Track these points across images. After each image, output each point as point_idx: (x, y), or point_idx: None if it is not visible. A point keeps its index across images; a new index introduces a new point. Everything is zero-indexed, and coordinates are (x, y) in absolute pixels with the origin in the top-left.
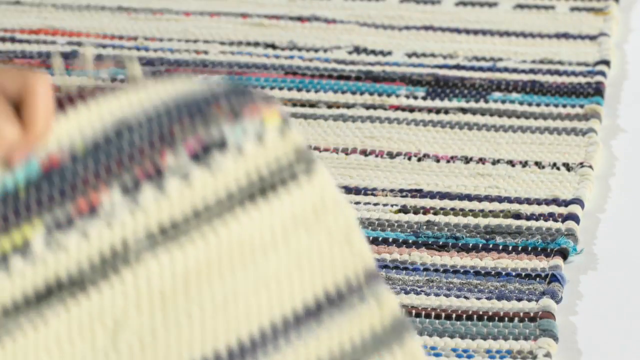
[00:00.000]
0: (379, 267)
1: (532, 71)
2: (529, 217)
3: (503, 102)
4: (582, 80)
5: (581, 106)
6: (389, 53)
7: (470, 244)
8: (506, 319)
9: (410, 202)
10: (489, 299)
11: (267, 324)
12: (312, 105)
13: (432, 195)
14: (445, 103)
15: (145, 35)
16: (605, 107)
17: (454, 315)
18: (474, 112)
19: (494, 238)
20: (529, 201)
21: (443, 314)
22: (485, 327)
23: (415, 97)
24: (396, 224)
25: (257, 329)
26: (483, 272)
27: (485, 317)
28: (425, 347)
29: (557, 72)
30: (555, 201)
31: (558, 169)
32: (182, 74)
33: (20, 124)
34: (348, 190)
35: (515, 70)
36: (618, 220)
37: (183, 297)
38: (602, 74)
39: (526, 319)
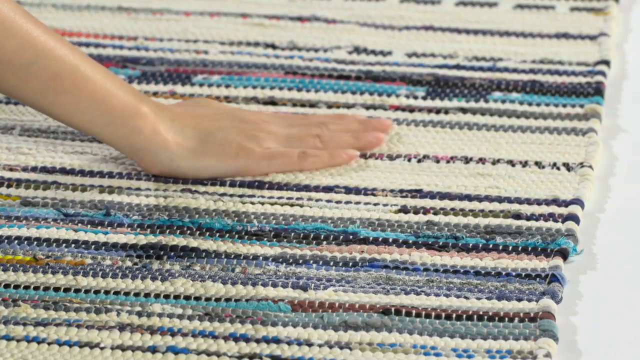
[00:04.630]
0: (379, 267)
1: (532, 71)
2: (529, 217)
3: (503, 102)
4: (582, 80)
5: (581, 106)
6: (389, 53)
7: (470, 244)
8: (506, 319)
9: (410, 202)
10: (489, 299)
11: None
12: (312, 105)
13: (432, 195)
14: (445, 103)
15: (145, 35)
16: (605, 107)
17: (454, 315)
18: (474, 112)
19: (494, 238)
20: (529, 201)
21: (443, 314)
22: (485, 327)
23: (415, 97)
24: (396, 224)
25: None
26: (483, 272)
27: (485, 317)
28: (425, 347)
29: (557, 72)
30: (555, 201)
31: (558, 169)
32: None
33: None
34: (348, 190)
35: (515, 70)
36: (618, 220)
37: None
38: (602, 74)
39: (526, 319)
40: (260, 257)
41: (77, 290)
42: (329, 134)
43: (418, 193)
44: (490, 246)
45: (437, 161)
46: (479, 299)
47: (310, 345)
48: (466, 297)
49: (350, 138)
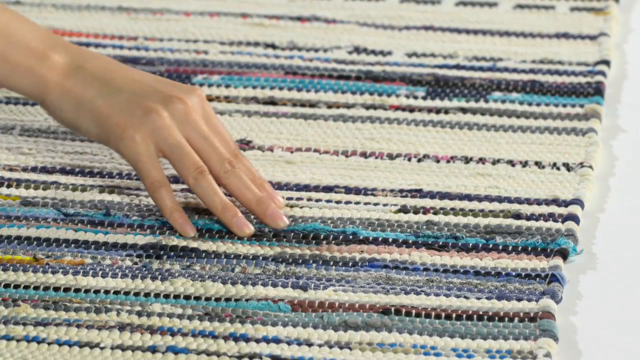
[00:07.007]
0: (379, 267)
1: (532, 71)
2: (529, 217)
3: (503, 102)
4: (582, 80)
5: (581, 106)
6: (389, 53)
7: (470, 244)
8: (506, 319)
9: (410, 202)
10: (489, 299)
11: None
12: (312, 105)
13: (432, 195)
14: (445, 103)
15: (145, 35)
16: (605, 107)
17: (454, 315)
18: (474, 112)
19: (494, 238)
20: (529, 201)
21: (443, 314)
22: (485, 327)
23: (415, 97)
24: (396, 224)
25: None
26: (483, 272)
27: (485, 317)
28: (425, 347)
29: (557, 72)
30: (555, 201)
31: (558, 169)
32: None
33: None
34: (348, 190)
35: (515, 70)
36: (618, 220)
37: None
38: (602, 74)
39: (526, 319)
40: (260, 257)
41: (77, 290)
42: (237, 171)
43: (418, 193)
44: (490, 246)
45: (437, 161)
46: (479, 298)
47: (310, 345)
48: (466, 297)
49: (251, 190)
